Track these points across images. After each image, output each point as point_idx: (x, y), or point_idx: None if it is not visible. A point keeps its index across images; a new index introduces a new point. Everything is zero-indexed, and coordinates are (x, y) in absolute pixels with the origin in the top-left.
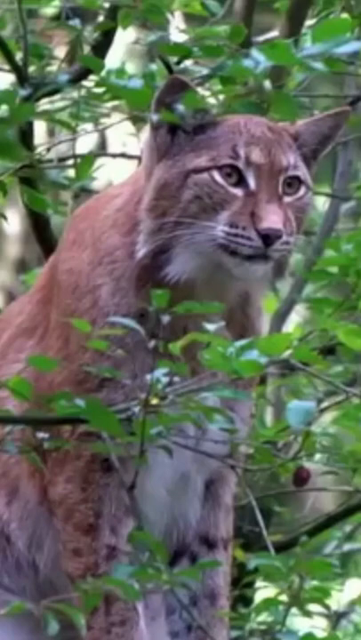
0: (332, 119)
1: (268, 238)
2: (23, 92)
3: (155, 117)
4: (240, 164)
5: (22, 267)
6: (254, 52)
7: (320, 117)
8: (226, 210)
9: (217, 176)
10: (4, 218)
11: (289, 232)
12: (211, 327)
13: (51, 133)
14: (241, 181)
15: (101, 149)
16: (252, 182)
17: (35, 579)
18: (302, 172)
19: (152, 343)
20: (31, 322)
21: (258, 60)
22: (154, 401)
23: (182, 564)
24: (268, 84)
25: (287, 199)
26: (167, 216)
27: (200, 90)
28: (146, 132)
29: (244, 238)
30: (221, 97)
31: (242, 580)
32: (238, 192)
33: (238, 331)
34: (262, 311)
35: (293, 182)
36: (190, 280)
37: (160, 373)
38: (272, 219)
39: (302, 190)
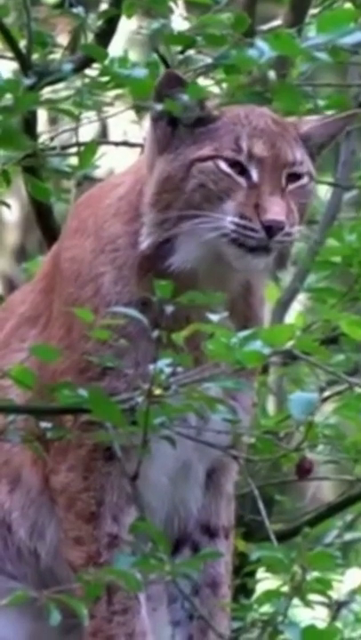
0: (342, 121)
1: (271, 230)
2: (27, 81)
3: (157, 108)
4: (242, 159)
5: (22, 254)
6: (259, 42)
7: (331, 120)
8: (231, 199)
9: (222, 164)
10: (7, 206)
11: (291, 223)
12: (214, 317)
13: (52, 122)
14: (244, 173)
15: (102, 137)
16: (255, 175)
17: (36, 567)
18: (307, 166)
19: (155, 333)
20: (34, 310)
21: (262, 49)
22: (157, 391)
23: (184, 553)
24: (272, 73)
25: (290, 187)
26: (171, 209)
27: (203, 79)
28: (148, 120)
29: (250, 230)
30: (225, 86)
31: (243, 569)
32: (243, 181)
33: (241, 320)
34: (265, 300)
35: (297, 176)
36: (193, 270)
37: (163, 364)
38: (275, 210)
39: (305, 179)
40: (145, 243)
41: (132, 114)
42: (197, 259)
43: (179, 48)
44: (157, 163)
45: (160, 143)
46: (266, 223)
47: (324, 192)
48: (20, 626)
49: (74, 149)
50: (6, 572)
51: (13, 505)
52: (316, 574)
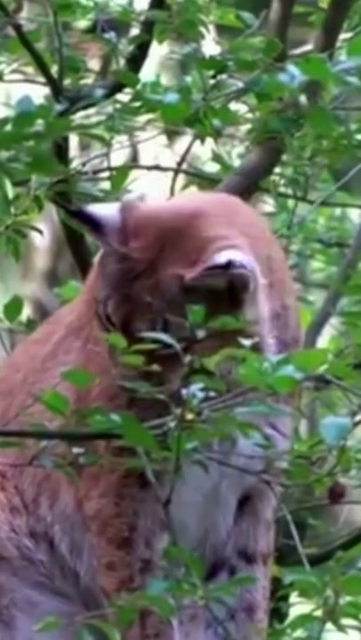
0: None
1: None
2: (59, 107)
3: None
4: None
5: (54, 279)
6: (290, 67)
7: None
8: None
9: None
10: (40, 232)
11: None
12: (246, 342)
13: (84, 146)
14: None
15: (134, 162)
16: None
17: (76, 586)
18: None
19: (188, 358)
20: (79, 321)
21: (293, 74)
22: (189, 416)
23: (221, 578)
24: (303, 98)
25: None
26: None
27: (235, 104)
28: (179, 143)
29: None
30: (258, 113)
31: (276, 594)
32: None
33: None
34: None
35: None
36: None
37: (196, 388)
38: None
39: None
40: None
41: (163, 138)
42: None
43: (211, 73)
44: None
45: None
46: None
47: (356, 215)
48: None
49: (105, 174)
50: (53, 589)
51: (55, 518)
52: (349, 598)
